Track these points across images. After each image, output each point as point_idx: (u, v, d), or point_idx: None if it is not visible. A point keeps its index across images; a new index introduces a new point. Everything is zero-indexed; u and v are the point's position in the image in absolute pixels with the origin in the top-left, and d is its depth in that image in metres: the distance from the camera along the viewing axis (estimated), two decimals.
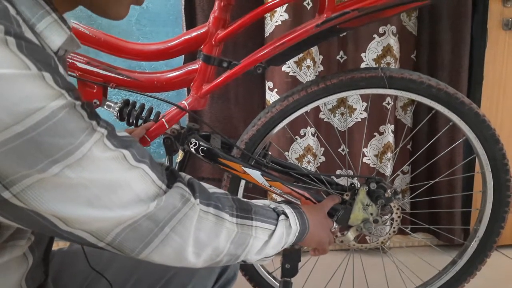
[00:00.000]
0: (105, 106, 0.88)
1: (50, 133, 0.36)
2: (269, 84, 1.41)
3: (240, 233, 0.54)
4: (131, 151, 0.44)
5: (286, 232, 0.62)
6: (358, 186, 0.94)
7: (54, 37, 0.42)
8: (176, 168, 0.95)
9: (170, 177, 0.50)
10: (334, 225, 0.81)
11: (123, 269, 0.66)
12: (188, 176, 0.55)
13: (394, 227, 1.00)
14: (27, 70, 0.35)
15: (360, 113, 1.46)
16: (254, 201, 0.63)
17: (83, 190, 0.39)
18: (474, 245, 1.03)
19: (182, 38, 0.87)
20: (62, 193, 0.38)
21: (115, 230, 0.42)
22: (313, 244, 0.75)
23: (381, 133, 1.48)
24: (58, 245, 1.47)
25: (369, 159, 1.50)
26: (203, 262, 0.51)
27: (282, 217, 0.63)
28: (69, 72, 0.83)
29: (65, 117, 0.37)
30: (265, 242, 0.58)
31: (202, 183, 0.56)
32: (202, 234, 0.49)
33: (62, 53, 0.46)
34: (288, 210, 0.65)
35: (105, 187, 0.41)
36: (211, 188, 0.58)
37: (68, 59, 0.82)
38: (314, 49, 1.40)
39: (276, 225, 0.61)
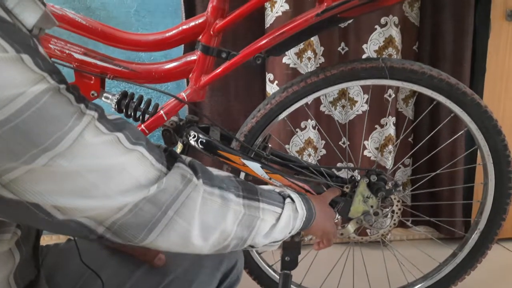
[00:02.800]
0: (103, 98, 0.87)
1: (35, 120, 0.33)
2: (269, 76, 1.39)
3: (248, 214, 0.52)
4: (125, 133, 0.41)
5: (293, 215, 0.60)
6: (359, 178, 0.93)
7: (28, 13, 0.38)
8: None
9: (169, 158, 0.47)
10: (337, 216, 0.80)
11: (118, 273, 0.63)
12: (189, 158, 0.53)
13: (394, 220, 0.99)
14: (4, 52, 0.32)
15: (361, 106, 1.45)
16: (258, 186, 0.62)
17: (79, 178, 0.37)
18: (475, 237, 1.03)
19: (180, 28, 0.86)
20: (56, 184, 0.36)
21: (115, 215, 0.40)
22: (319, 233, 0.73)
23: (382, 126, 1.47)
24: (59, 238, 1.48)
25: (370, 152, 1.49)
26: (210, 246, 0.49)
27: (288, 200, 0.61)
28: (66, 63, 0.82)
29: (49, 102, 0.34)
30: (272, 225, 0.57)
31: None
32: (208, 216, 0.47)
33: (37, 32, 0.43)
34: (293, 194, 0.63)
35: (102, 174, 0.38)
36: (214, 170, 0.56)
37: (65, 50, 0.81)
38: (315, 41, 1.39)
39: (282, 208, 0.59)
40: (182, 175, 0.46)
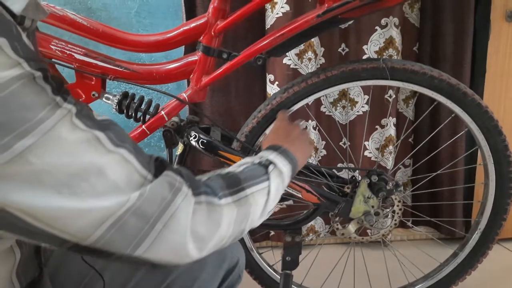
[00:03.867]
0: (103, 99, 0.87)
1: (1, 107, 0.31)
2: (270, 77, 1.40)
3: (239, 210, 0.50)
4: (108, 134, 0.38)
5: (280, 179, 0.59)
6: (359, 179, 0.94)
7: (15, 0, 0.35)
8: (176, 161, 0.94)
9: (158, 166, 0.43)
10: (300, 123, 0.78)
11: (121, 272, 0.62)
12: (177, 166, 0.49)
13: (395, 220, 0.99)
14: None
15: (362, 106, 1.45)
16: (238, 165, 0.59)
17: (48, 177, 0.34)
18: (475, 237, 1.03)
19: (181, 29, 0.86)
20: (23, 182, 0.33)
21: (96, 232, 0.36)
22: (304, 162, 0.75)
23: (382, 126, 1.47)
24: None
25: (370, 152, 1.49)
26: (207, 252, 0.46)
27: (271, 167, 0.59)
28: (67, 64, 0.82)
29: (20, 90, 0.32)
30: (265, 201, 0.55)
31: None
32: (202, 228, 0.44)
33: (29, 24, 0.41)
34: (272, 155, 0.61)
35: (74, 174, 0.35)
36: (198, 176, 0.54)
37: (65, 51, 0.81)
38: (316, 41, 1.39)
39: (269, 179, 0.57)
40: (170, 183, 0.42)
